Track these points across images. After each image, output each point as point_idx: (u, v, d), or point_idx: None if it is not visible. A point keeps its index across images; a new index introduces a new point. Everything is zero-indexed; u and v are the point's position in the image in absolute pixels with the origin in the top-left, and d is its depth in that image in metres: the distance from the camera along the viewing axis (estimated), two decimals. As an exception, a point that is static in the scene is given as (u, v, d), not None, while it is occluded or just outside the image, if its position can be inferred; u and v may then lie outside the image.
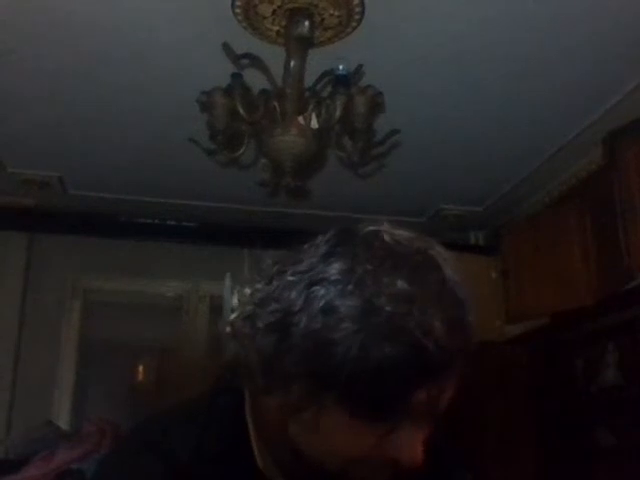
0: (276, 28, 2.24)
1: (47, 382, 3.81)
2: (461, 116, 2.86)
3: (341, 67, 2.13)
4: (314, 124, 2.12)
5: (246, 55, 2.24)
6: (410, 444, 0.70)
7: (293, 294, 0.68)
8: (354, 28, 2.26)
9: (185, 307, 4.22)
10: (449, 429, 0.96)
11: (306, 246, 0.73)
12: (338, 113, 2.10)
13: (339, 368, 0.65)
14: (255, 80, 2.24)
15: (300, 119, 2.13)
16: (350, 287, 0.66)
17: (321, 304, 0.66)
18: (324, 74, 2.24)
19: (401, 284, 0.66)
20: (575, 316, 2.93)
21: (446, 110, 2.82)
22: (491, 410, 3.23)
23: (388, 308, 0.65)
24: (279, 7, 2.15)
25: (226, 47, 2.21)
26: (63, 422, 3.68)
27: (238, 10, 2.18)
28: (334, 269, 0.67)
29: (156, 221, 3.97)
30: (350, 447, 0.70)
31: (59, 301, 3.97)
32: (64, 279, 3.98)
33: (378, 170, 2.78)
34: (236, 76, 2.14)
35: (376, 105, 2.17)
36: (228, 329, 0.76)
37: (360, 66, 2.27)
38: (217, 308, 3.88)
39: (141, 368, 4.21)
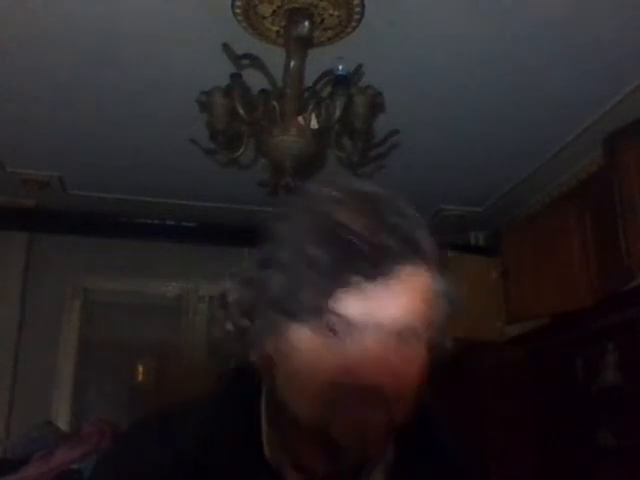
0: (276, 28, 2.24)
1: (47, 382, 3.81)
2: (461, 116, 2.86)
3: (341, 67, 2.13)
4: (314, 124, 2.12)
5: (246, 55, 2.24)
6: (378, 361, 0.70)
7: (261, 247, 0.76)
8: (354, 28, 2.26)
9: (185, 307, 4.22)
10: (449, 429, 0.96)
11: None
12: (338, 113, 2.10)
13: (278, 283, 0.71)
14: (255, 80, 2.24)
15: (300, 119, 2.13)
16: (290, 215, 0.75)
17: (271, 239, 0.74)
18: (324, 74, 2.24)
19: (332, 191, 0.74)
20: (575, 316, 2.93)
21: (446, 110, 2.82)
22: (491, 410, 3.23)
23: (318, 218, 0.72)
24: (279, 7, 2.15)
25: (226, 47, 2.21)
26: (62, 422, 3.69)
27: (238, 10, 2.18)
28: (285, 214, 0.76)
29: (156, 221, 3.97)
30: (319, 371, 0.70)
31: (59, 301, 3.97)
32: (64, 279, 3.98)
33: (378, 170, 2.77)
34: (236, 76, 2.14)
35: (376, 105, 2.17)
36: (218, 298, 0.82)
37: (360, 66, 2.27)
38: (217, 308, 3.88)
39: (141, 368, 4.21)
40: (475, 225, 4.06)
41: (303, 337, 0.71)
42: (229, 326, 0.78)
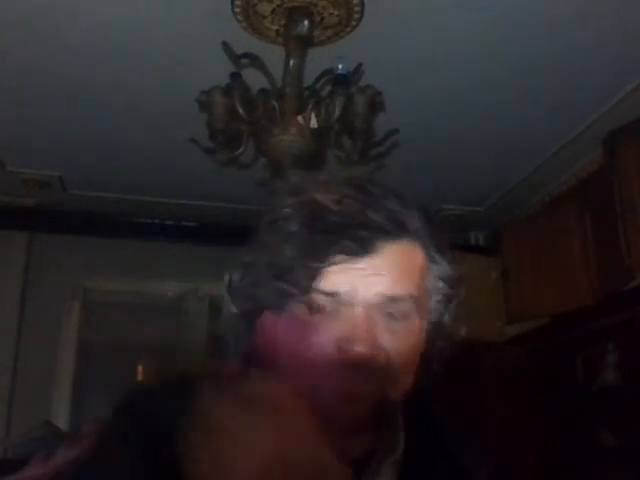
0: (275, 27, 2.24)
1: (46, 382, 3.81)
2: (461, 116, 2.86)
3: (340, 66, 2.13)
4: (313, 123, 2.12)
5: (245, 54, 2.24)
6: (365, 329, 0.72)
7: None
8: (354, 27, 2.26)
9: (185, 307, 4.22)
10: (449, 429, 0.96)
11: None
12: (337, 113, 2.10)
13: (262, 267, 0.75)
14: (254, 79, 2.23)
15: (299, 118, 2.13)
16: (285, 204, 0.77)
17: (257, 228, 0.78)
18: (323, 73, 2.24)
19: (308, 180, 0.78)
20: (575, 316, 2.93)
21: (446, 110, 2.82)
22: (491, 410, 3.23)
23: (305, 203, 0.74)
24: (278, 6, 2.15)
25: (225, 46, 2.21)
26: (62, 422, 3.68)
27: (237, 9, 2.18)
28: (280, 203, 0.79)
29: (156, 221, 3.97)
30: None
31: (59, 301, 3.96)
32: (64, 279, 3.97)
33: (377, 170, 2.77)
34: (235, 75, 2.14)
35: (375, 105, 2.17)
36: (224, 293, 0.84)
37: (360, 65, 2.27)
38: (217, 308, 3.88)
39: (141, 368, 4.21)
40: (475, 225, 4.06)
41: (295, 315, 0.73)
42: (233, 309, 0.81)
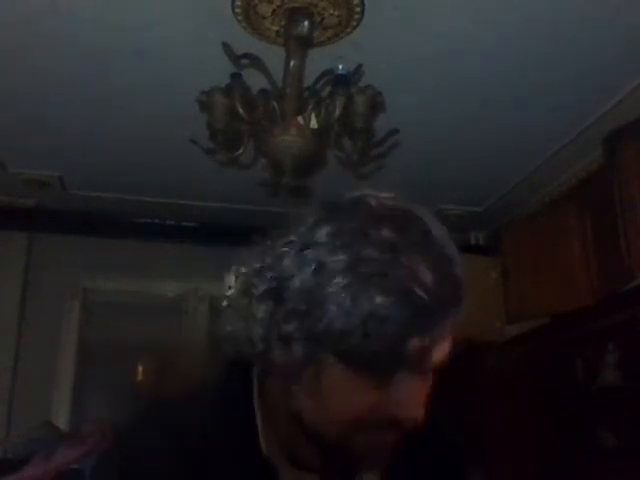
0: (276, 28, 2.24)
1: (46, 382, 3.81)
2: (461, 116, 2.86)
3: (341, 67, 2.13)
4: (313, 124, 2.12)
5: (246, 55, 2.24)
6: (409, 397, 0.71)
7: (286, 261, 0.71)
8: (354, 28, 2.26)
9: (185, 307, 4.22)
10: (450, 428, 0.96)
11: (293, 221, 0.75)
12: (337, 113, 2.10)
13: (332, 324, 0.67)
14: (254, 80, 2.23)
15: (299, 119, 2.13)
16: (338, 244, 0.69)
17: (312, 265, 0.69)
18: (324, 74, 2.24)
19: (387, 233, 0.69)
20: (575, 316, 2.93)
21: (446, 110, 2.82)
22: (491, 410, 3.23)
23: (375, 256, 0.67)
24: (279, 7, 2.15)
25: (226, 47, 2.21)
26: (62, 422, 3.68)
27: (238, 10, 2.18)
28: (323, 232, 0.70)
29: (156, 221, 3.97)
30: (351, 406, 0.71)
31: (59, 301, 3.97)
32: (64, 279, 3.97)
33: (378, 170, 2.77)
34: (235, 76, 2.14)
35: (376, 105, 2.17)
36: (225, 303, 0.79)
37: (360, 66, 2.27)
38: (217, 308, 3.88)
39: (141, 368, 4.21)
40: (475, 225, 4.06)
41: (348, 377, 0.70)
42: (253, 338, 0.74)
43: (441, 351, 0.71)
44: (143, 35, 2.35)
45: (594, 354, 2.84)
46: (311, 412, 0.74)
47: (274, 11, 2.17)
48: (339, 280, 0.67)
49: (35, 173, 3.48)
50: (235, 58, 2.23)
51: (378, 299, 0.66)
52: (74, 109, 2.84)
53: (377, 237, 0.69)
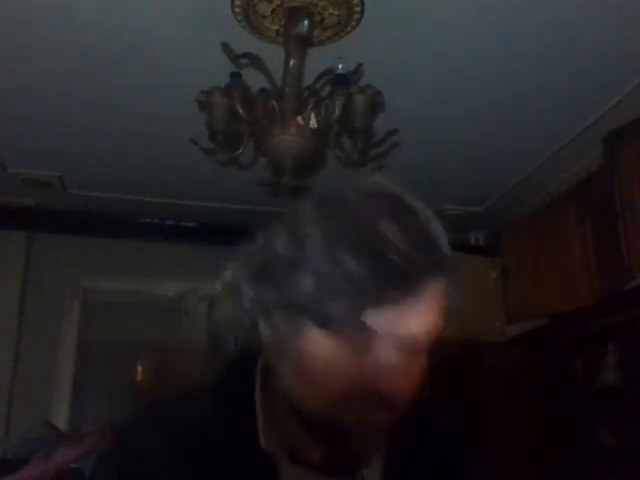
0: (275, 27, 2.24)
1: (46, 382, 3.81)
2: (461, 116, 2.86)
3: (340, 66, 2.13)
4: (313, 123, 2.12)
5: (245, 54, 2.24)
6: (390, 368, 0.72)
7: (272, 242, 0.75)
8: (354, 27, 2.26)
9: (185, 307, 4.22)
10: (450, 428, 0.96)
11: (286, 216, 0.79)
12: (337, 113, 2.10)
13: (308, 289, 0.70)
14: (254, 79, 2.23)
15: (299, 119, 2.12)
16: (317, 216, 0.73)
17: (292, 236, 0.73)
18: (323, 73, 2.24)
19: (366, 206, 0.73)
20: (575, 316, 2.93)
21: (446, 110, 2.82)
22: (491, 410, 3.23)
23: (350, 225, 0.71)
24: (278, 6, 2.15)
25: (225, 47, 2.21)
26: (62, 422, 3.68)
27: (237, 9, 2.18)
28: (307, 214, 0.75)
29: (156, 221, 3.97)
30: (335, 377, 0.72)
31: (59, 301, 3.97)
32: (64, 279, 3.98)
33: (377, 170, 2.77)
34: (235, 75, 2.14)
35: (375, 105, 2.17)
36: (219, 287, 0.81)
37: (360, 65, 2.27)
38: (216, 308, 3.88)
39: (140, 368, 4.21)
40: (475, 225, 4.06)
41: (326, 343, 0.72)
42: (240, 316, 0.78)
43: (424, 323, 0.73)
44: (143, 35, 2.35)
45: (594, 354, 2.84)
46: (300, 391, 0.75)
47: (274, 10, 2.17)
48: (314, 247, 0.70)
49: (35, 173, 3.48)
50: (235, 58, 2.23)
51: (351, 262, 0.68)
52: (74, 109, 2.84)
53: (355, 208, 0.73)
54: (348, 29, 2.27)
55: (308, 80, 2.25)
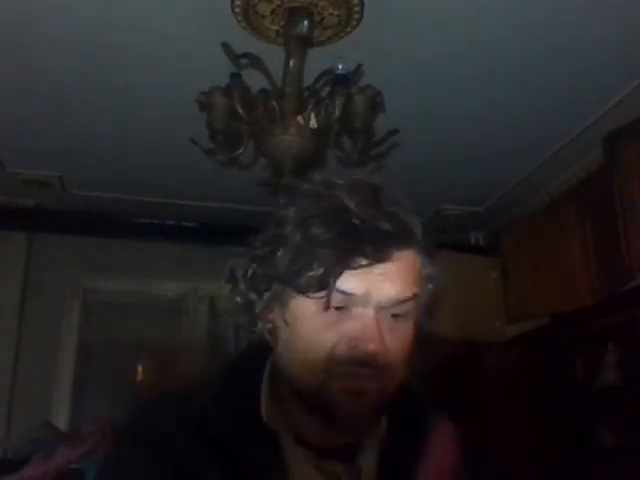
0: (275, 27, 2.24)
1: (46, 382, 3.81)
2: (461, 116, 2.86)
3: (340, 67, 2.13)
4: (313, 124, 2.12)
5: (245, 55, 2.24)
6: (365, 330, 0.78)
7: (265, 229, 0.84)
8: (354, 27, 2.26)
9: (185, 307, 4.22)
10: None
11: None
12: (337, 113, 2.10)
13: (287, 261, 0.79)
14: (254, 80, 2.23)
15: (299, 119, 2.12)
16: (296, 201, 0.82)
17: (275, 221, 0.82)
18: (323, 74, 2.24)
19: (335, 189, 0.81)
20: (575, 316, 2.93)
21: (446, 110, 2.82)
22: (491, 410, 3.23)
23: (321, 202, 0.79)
24: (278, 6, 2.15)
25: (225, 47, 2.21)
26: (62, 422, 3.68)
27: (237, 10, 2.18)
28: (288, 199, 0.84)
29: (156, 221, 3.97)
30: (319, 344, 0.78)
31: (59, 301, 3.97)
32: (64, 279, 3.97)
33: (377, 170, 2.77)
34: (235, 76, 2.14)
35: (375, 105, 2.17)
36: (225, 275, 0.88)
37: (359, 66, 2.27)
38: (217, 308, 3.88)
39: (141, 368, 4.21)
40: (475, 225, 4.06)
41: (307, 310, 0.79)
42: (238, 299, 0.85)
43: (394, 286, 0.78)
44: (143, 35, 2.35)
45: (594, 354, 2.84)
46: (292, 366, 0.81)
47: (274, 11, 2.17)
48: (291, 226, 0.79)
49: (35, 173, 3.48)
50: (235, 58, 2.23)
51: (321, 234, 0.77)
52: (74, 109, 2.84)
53: (327, 192, 0.81)
54: (348, 29, 2.27)
55: (308, 80, 2.25)
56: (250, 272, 0.84)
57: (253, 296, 0.84)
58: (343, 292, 0.77)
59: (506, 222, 3.84)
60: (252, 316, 0.85)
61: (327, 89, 2.23)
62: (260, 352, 0.87)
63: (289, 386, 0.82)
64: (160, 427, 0.81)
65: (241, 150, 2.20)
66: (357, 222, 0.77)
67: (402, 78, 2.57)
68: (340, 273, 0.77)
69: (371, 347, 0.77)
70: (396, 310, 0.80)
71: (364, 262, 0.77)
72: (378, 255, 0.77)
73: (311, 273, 0.77)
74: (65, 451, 2.51)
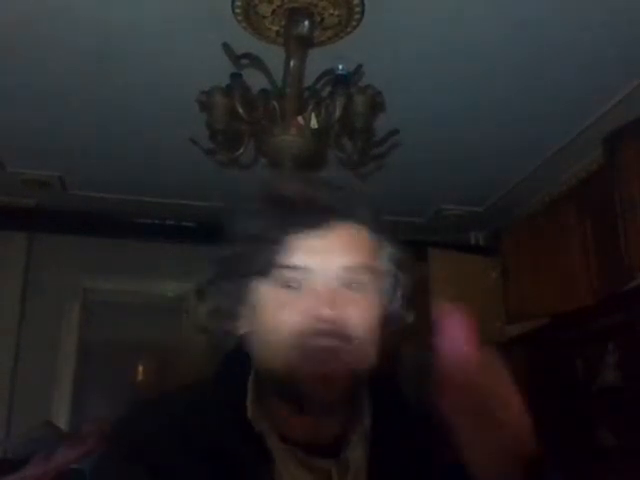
0: (276, 28, 2.24)
1: (46, 382, 3.81)
2: (461, 116, 2.86)
3: (341, 67, 2.13)
4: (313, 124, 2.12)
5: (246, 55, 2.24)
6: (326, 297, 0.79)
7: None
8: (354, 28, 2.26)
9: (185, 307, 4.22)
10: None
11: None
12: (338, 113, 2.10)
13: (241, 251, 0.82)
14: (255, 80, 2.24)
15: (300, 119, 2.12)
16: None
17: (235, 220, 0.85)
18: (324, 74, 2.24)
19: (281, 186, 0.85)
20: (575, 316, 2.93)
21: (446, 110, 2.82)
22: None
23: (267, 195, 0.83)
24: (279, 7, 2.15)
25: (226, 47, 2.21)
26: (62, 422, 3.68)
27: (238, 10, 2.18)
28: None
29: (156, 221, 3.97)
30: (283, 325, 0.80)
31: (59, 301, 3.96)
32: (64, 279, 3.97)
33: (378, 170, 2.77)
34: (236, 76, 2.14)
35: (376, 105, 2.17)
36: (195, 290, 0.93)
37: (360, 66, 2.27)
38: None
39: (141, 368, 4.22)
40: (475, 225, 4.06)
41: (266, 296, 0.82)
42: (209, 307, 0.88)
43: (343, 257, 0.81)
44: (143, 35, 2.35)
45: (594, 354, 2.84)
46: (264, 357, 0.82)
47: (274, 11, 2.17)
48: (242, 219, 0.84)
49: (35, 173, 3.48)
50: (235, 58, 2.23)
51: (266, 219, 0.80)
52: (74, 109, 2.84)
53: (274, 186, 0.85)
54: (348, 29, 2.27)
55: (308, 80, 2.25)
56: (214, 276, 0.87)
57: (221, 299, 0.86)
58: (291, 267, 0.80)
59: (506, 222, 3.84)
60: (226, 318, 0.86)
61: (327, 89, 2.24)
62: (246, 353, 0.87)
63: (265, 379, 0.83)
64: (145, 432, 0.81)
65: (241, 150, 2.21)
66: (295, 203, 0.80)
67: (402, 78, 2.57)
68: (285, 251, 0.80)
69: (325, 312, 0.78)
70: (349, 279, 0.81)
71: (306, 236, 0.80)
72: (318, 227, 0.80)
73: (260, 258, 0.80)
74: (65, 451, 2.52)
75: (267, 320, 0.82)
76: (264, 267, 0.81)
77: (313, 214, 0.80)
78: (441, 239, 4.01)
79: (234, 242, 0.84)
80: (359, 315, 0.81)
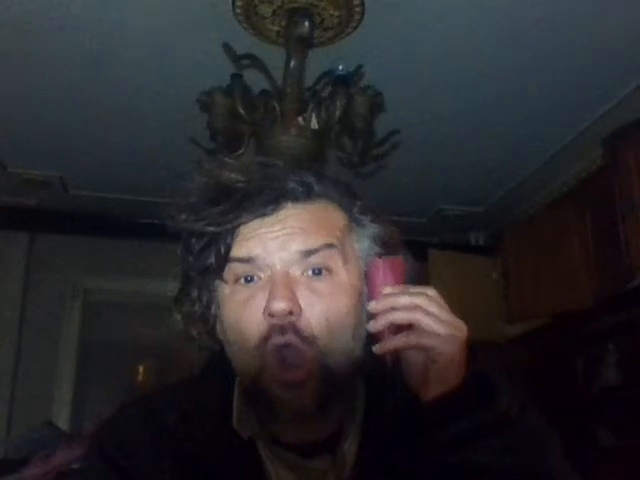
0: (276, 28, 2.24)
1: (47, 382, 3.80)
2: (461, 116, 2.86)
3: (341, 67, 2.13)
4: (314, 124, 2.12)
5: (246, 55, 2.24)
6: (284, 283, 0.72)
7: None
8: (354, 28, 2.26)
9: (185, 307, 4.22)
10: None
11: None
12: (338, 113, 2.10)
13: (191, 250, 0.79)
14: (255, 80, 2.24)
15: (300, 119, 2.13)
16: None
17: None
18: (324, 74, 2.24)
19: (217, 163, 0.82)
20: (575, 316, 2.93)
21: (446, 110, 2.82)
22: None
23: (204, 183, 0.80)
24: (279, 7, 2.15)
25: (226, 47, 2.21)
26: (63, 422, 3.68)
27: (238, 10, 2.18)
28: None
29: (156, 221, 3.96)
30: (240, 319, 0.74)
31: (59, 301, 3.96)
32: (64, 279, 3.97)
33: (378, 170, 2.77)
34: (236, 76, 2.14)
35: (376, 105, 2.17)
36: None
37: (360, 66, 2.27)
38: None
39: (141, 368, 4.22)
40: (475, 225, 4.06)
41: (225, 294, 0.77)
42: (184, 313, 0.86)
43: (292, 239, 0.74)
44: (143, 35, 2.35)
45: (594, 354, 2.84)
46: (235, 359, 0.76)
47: (274, 11, 2.17)
48: (186, 217, 0.81)
49: (35, 173, 3.48)
50: (235, 58, 2.23)
51: (203, 210, 0.77)
52: (74, 109, 2.84)
53: (212, 174, 0.81)
54: (349, 30, 2.27)
55: (309, 81, 2.25)
56: (180, 281, 0.85)
57: (191, 304, 0.84)
58: (242, 259, 0.74)
59: (506, 222, 3.84)
60: (201, 323, 0.83)
61: (328, 90, 2.24)
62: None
63: (240, 384, 0.79)
64: (129, 439, 0.78)
65: (242, 150, 2.21)
66: (241, 187, 0.75)
67: (402, 78, 2.57)
68: (232, 243, 0.75)
69: (276, 305, 0.70)
70: (309, 263, 0.74)
71: (253, 223, 0.74)
72: (267, 212, 0.74)
73: (210, 255, 0.76)
74: (65, 451, 2.52)
75: (229, 321, 0.76)
76: (216, 264, 0.75)
77: (265, 197, 0.74)
78: (441, 239, 4.02)
79: (183, 241, 0.81)
80: (327, 306, 0.73)
